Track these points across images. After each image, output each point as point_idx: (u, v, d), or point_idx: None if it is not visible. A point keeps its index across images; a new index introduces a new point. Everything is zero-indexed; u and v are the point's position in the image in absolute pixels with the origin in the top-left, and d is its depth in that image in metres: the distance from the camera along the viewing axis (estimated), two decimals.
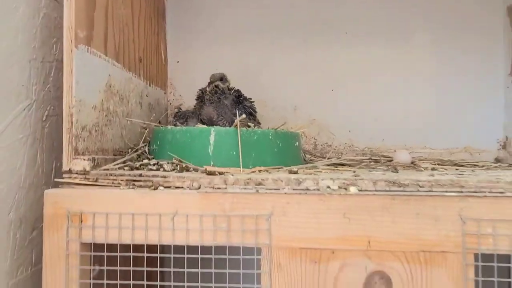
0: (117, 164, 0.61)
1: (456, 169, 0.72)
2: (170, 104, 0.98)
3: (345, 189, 0.50)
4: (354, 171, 0.64)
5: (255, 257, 0.50)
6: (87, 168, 0.55)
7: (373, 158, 0.87)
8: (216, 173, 0.55)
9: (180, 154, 0.64)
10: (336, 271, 0.49)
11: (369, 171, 0.65)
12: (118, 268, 0.51)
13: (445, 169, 0.71)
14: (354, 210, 0.49)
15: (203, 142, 0.64)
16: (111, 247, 0.51)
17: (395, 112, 0.94)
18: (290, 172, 0.58)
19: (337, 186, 0.51)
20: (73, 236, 0.51)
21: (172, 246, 0.51)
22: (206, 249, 0.51)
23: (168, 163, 0.62)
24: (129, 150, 0.71)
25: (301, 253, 0.49)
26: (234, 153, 0.63)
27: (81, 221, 0.52)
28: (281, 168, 0.64)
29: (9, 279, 0.56)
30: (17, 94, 0.57)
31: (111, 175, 0.55)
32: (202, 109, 0.81)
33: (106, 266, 0.52)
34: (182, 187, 0.53)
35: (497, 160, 0.91)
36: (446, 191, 0.49)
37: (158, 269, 0.51)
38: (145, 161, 0.64)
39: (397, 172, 0.63)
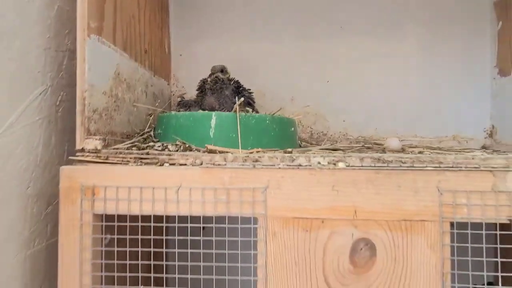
0: (126, 144, 0.66)
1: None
2: (173, 94, 1.03)
3: (334, 164, 0.55)
4: (345, 153, 0.69)
5: (252, 226, 0.55)
6: (99, 147, 0.60)
7: (365, 145, 0.91)
8: (217, 151, 0.60)
9: (184, 137, 0.69)
10: (326, 239, 0.54)
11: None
12: (128, 236, 0.56)
13: (431, 153, 0.76)
14: (342, 183, 0.54)
15: (205, 126, 0.69)
16: (121, 218, 0.56)
17: (387, 103, 0.99)
18: (285, 152, 0.63)
19: (326, 162, 0.56)
20: (86, 207, 0.56)
21: (176, 216, 0.56)
22: (207, 219, 0.56)
23: (172, 144, 0.67)
24: (136, 134, 0.76)
25: (293, 222, 0.54)
26: (234, 135, 0.68)
27: (94, 194, 0.57)
28: (277, 150, 0.69)
29: (27, 249, 0.61)
30: (33, 80, 0.62)
31: (121, 153, 0.60)
32: (204, 99, 0.85)
33: (116, 235, 0.57)
34: (186, 164, 0.58)
35: (484, 147, 0.96)
36: (426, 166, 0.54)
37: (164, 237, 0.56)
38: (151, 143, 0.70)
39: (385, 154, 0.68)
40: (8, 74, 0.56)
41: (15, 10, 0.57)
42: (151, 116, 0.81)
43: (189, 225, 0.55)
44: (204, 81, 0.86)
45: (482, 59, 0.97)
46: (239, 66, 0.94)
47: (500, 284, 0.52)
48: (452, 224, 0.52)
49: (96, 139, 0.60)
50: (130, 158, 0.59)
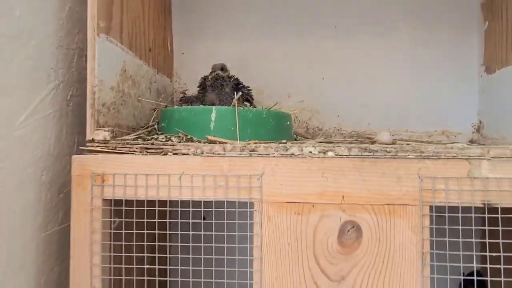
0: (132, 136, 0.71)
1: None
2: (176, 91, 1.08)
3: (324, 153, 0.60)
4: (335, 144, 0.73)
5: (249, 210, 0.60)
6: (107, 138, 0.65)
7: (358, 139, 0.96)
8: (216, 142, 0.65)
9: (186, 130, 0.73)
10: (316, 221, 0.59)
11: None
12: (134, 220, 0.61)
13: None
14: (331, 171, 0.59)
15: (205, 119, 0.73)
16: (128, 202, 0.61)
17: (379, 99, 1.04)
18: (280, 143, 0.68)
19: (317, 151, 0.61)
20: (96, 193, 0.61)
21: (179, 201, 0.61)
22: (207, 204, 0.61)
23: (175, 136, 0.72)
24: (141, 127, 0.80)
25: (286, 207, 0.59)
26: (232, 128, 0.72)
27: (103, 181, 0.61)
28: (273, 142, 0.74)
29: (40, 232, 0.66)
30: (47, 76, 0.67)
31: (128, 143, 0.65)
32: (205, 95, 0.90)
33: (124, 218, 0.62)
34: (188, 153, 0.63)
35: (471, 142, 1.01)
36: (408, 155, 0.59)
37: (168, 220, 0.61)
38: (155, 136, 0.74)
39: None
40: (25, 70, 0.61)
41: (31, 12, 0.62)
42: (155, 110, 0.86)
43: (190, 209, 0.60)
44: (205, 78, 0.91)
45: (470, 58, 1.02)
46: (238, 64, 0.99)
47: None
48: (431, 208, 0.57)
49: (105, 131, 0.65)
50: (137, 148, 0.64)
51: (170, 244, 0.62)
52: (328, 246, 0.59)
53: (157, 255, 0.61)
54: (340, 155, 0.60)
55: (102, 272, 0.61)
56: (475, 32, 1.01)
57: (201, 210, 0.60)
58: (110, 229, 0.62)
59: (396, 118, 1.04)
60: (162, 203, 0.61)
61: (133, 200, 0.61)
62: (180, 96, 0.96)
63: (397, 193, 0.58)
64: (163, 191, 0.61)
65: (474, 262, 0.57)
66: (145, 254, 0.61)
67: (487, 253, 0.55)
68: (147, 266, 0.62)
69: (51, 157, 0.68)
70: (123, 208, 0.61)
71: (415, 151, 0.59)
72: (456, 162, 0.57)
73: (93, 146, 0.65)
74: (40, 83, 0.65)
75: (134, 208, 0.61)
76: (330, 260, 0.59)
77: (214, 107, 0.74)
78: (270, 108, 0.78)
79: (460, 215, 0.57)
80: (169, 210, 0.61)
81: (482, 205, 0.56)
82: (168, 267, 0.62)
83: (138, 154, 0.64)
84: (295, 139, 0.89)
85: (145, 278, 0.62)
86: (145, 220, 0.61)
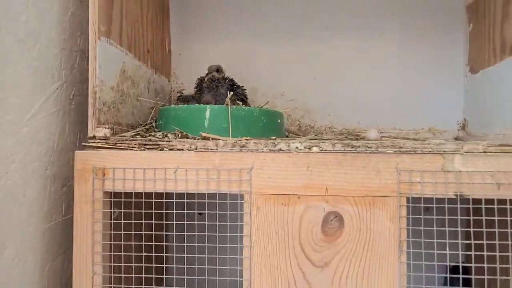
0: (131, 133, 0.75)
1: None
2: (173, 91, 1.12)
3: (309, 148, 0.65)
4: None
5: (239, 201, 0.64)
6: (108, 135, 0.69)
7: (348, 136, 1.01)
8: (210, 139, 0.70)
9: (182, 127, 0.78)
10: (301, 212, 0.63)
11: None
12: (133, 210, 0.65)
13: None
14: (315, 165, 0.63)
15: (200, 117, 0.78)
16: (127, 195, 0.66)
17: (368, 98, 1.08)
18: (269, 139, 0.72)
19: (303, 147, 0.65)
20: (97, 186, 0.66)
21: (174, 193, 0.65)
22: (201, 196, 0.65)
23: (171, 133, 0.76)
24: (139, 125, 0.85)
25: (274, 198, 0.64)
26: (225, 126, 0.77)
27: (104, 175, 0.66)
28: (263, 139, 0.78)
29: (46, 223, 0.70)
30: (51, 76, 0.71)
31: (127, 140, 0.69)
32: (201, 96, 0.95)
33: (123, 209, 0.66)
34: (183, 149, 0.67)
35: (457, 139, 1.05)
36: (387, 151, 0.63)
37: (164, 211, 0.66)
38: (153, 133, 0.79)
39: None
40: (31, 71, 0.66)
41: (36, 17, 0.67)
42: (153, 109, 0.91)
43: (185, 200, 0.65)
44: (201, 80, 0.95)
45: (456, 58, 1.06)
46: (233, 65, 1.04)
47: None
48: (408, 199, 0.62)
49: (105, 128, 0.69)
50: (135, 144, 0.69)
51: (166, 233, 0.66)
52: (312, 235, 0.63)
53: (154, 243, 0.65)
54: (324, 150, 0.65)
55: (103, 259, 0.65)
56: (460, 34, 1.06)
57: (195, 202, 0.64)
58: (110, 220, 0.67)
59: (385, 117, 1.08)
60: (159, 195, 0.66)
61: (131, 192, 0.66)
62: (177, 95, 1.00)
63: (376, 185, 0.62)
64: (160, 184, 0.65)
65: (447, 249, 0.61)
66: (143, 243, 0.66)
67: (459, 241, 0.59)
68: (145, 253, 0.66)
69: (55, 152, 0.72)
70: (122, 200, 0.66)
71: (394, 147, 0.64)
72: (431, 157, 0.62)
73: (94, 142, 0.69)
74: (45, 83, 0.70)
75: (133, 200, 0.65)
76: (314, 247, 0.63)
77: (208, 106, 0.79)
78: (262, 107, 0.82)
79: (434, 205, 0.61)
80: (165, 201, 0.66)
81: (454, 196, 0.61)
82: (164, 254, 0.67)
83: (137, 150, 0.68)
84: (287, 137, 0.93)
85: (143, 265, 0.66)
86: (143, 211, 0.65)
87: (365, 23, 1.08)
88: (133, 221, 0.66)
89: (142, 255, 0.67)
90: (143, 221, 0.66)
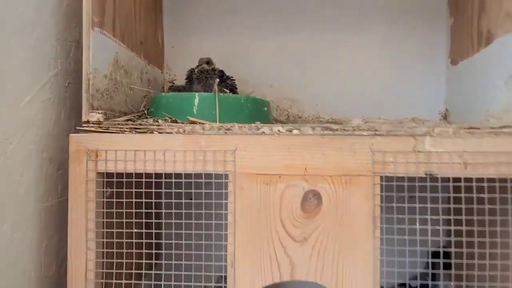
0: (123, 118, 0.79)
1: None
2: (166, 81, 1.17)
3: (290, 131, 0.69)
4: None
5: (224, 181, 0.68)
6: (101, 119, 0.73)
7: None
8: (197, 123, 0.74)
9: (172, 114, 0.81)
10: (282, 190, 0.67)
11: None
12: (124, 190, 0.70)
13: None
14: (295, 146, 0.67)
15: (189, 104, 0.82)
16: (119, 175, 0.70)
17: (355, 88, 1.12)
18: (254, 124, 0.76)
19: (284, 130, 0.69)
20: (91, 167, 0.70)
21: (163, 173, 0.69)
22: (187, 175, 0.69)
23: (162, 119, 0.80)
24: (132, 113, 0.89)
25: (257, 178, 0.68)
26: (213, 112, 0.81)
27: (97, 156, 0.70)
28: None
29: (42, 203, 0.74)
30: (47, 64, 0.75)
31: (119, 124, 0.73)
32: (192, 87, 0.99)
33: (115, 189, 0.70)
34: (171, 132, 0.71)
35: None
36: (363, 133, 0.68)
37: (153, 190, 0.70)
38: (144, 119, 0.83)
39: None
40: (29, 59, 0.70)
41: (33, 7, 0.71)
42: (145, 97, 0.95)
43: (173, 180, 0.69)
44: (191, 71, 0.99)
45: (438, 50, 1.10)
46: (225, 57, 1.08)
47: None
48: (381, 178, 0.66)
49: (98, 113, 0.73)
50: (127, 128, 0.73)
51: (155, 211, 0.70)
52: (292, 212, 0.67)
53: (144, 220, 0.69)
54: (304, 133, 0.69)
55: (96, 236, 0.70)
56: (443, 26, 1.10)
57: (182, 182, 0.69)
58: (103, 198, 0.71)
59: (370, 107, 1.12)
60: (148, 175, 0.70)
61: (123, 173, 0.70)
62: (169, 86, 1.04)
63: (352, 165, 0.66)
64: (149, 165, 0.69)
65: (417, 224, 0.65)
66: (134, 220, 0.70)
67: (428, 216, 0.64)
68: (136, 230, 0.70)
69: (50, 136, 0.76)
70: (114, 180, 0.70)
71: (370, 130, 0.68)
72: (403, 138, 0.66)
73: (88, 126, 0.73)
74: (41, 71, 0.74)
75: (124, 179, 0.69)
76: (294, 224, 0.67)
77: (197, 93, 0.83)
78: (247, 96, 0.86)
79: (406, 183, 0.65)
80: (155, 181, 0.70)
81: (425, 175, 0.65)
82: (153, 231, 0.71)
83: (128, 133, 0.72)
84: None
85: (134, 240, 0.71)
86: (134, 190, 0.69)
87: (350, 17, 1.12)
88: (124, 200, 0.70)
89: (132, 231, 0.71)
90: (133, 200, 0.70)
